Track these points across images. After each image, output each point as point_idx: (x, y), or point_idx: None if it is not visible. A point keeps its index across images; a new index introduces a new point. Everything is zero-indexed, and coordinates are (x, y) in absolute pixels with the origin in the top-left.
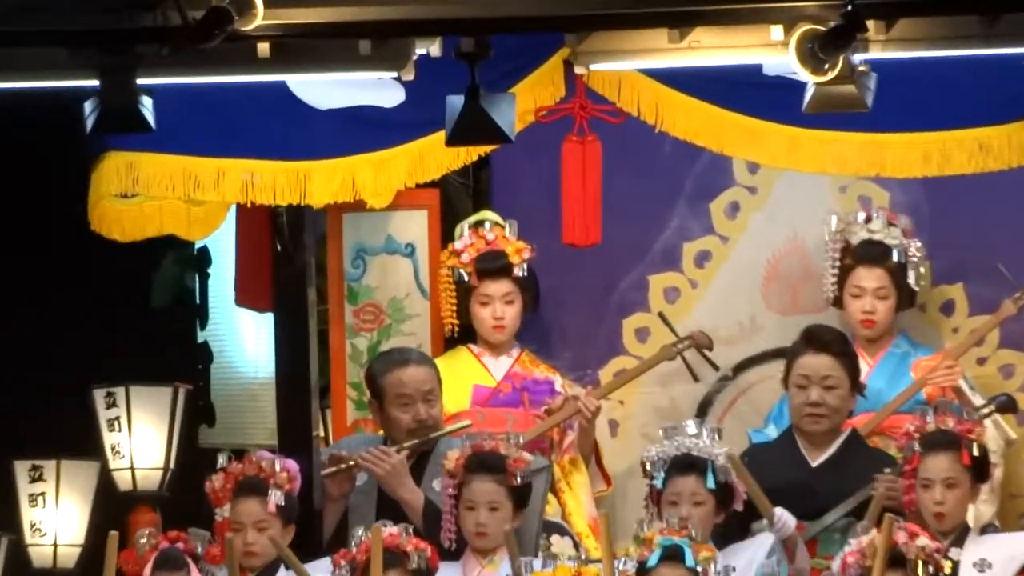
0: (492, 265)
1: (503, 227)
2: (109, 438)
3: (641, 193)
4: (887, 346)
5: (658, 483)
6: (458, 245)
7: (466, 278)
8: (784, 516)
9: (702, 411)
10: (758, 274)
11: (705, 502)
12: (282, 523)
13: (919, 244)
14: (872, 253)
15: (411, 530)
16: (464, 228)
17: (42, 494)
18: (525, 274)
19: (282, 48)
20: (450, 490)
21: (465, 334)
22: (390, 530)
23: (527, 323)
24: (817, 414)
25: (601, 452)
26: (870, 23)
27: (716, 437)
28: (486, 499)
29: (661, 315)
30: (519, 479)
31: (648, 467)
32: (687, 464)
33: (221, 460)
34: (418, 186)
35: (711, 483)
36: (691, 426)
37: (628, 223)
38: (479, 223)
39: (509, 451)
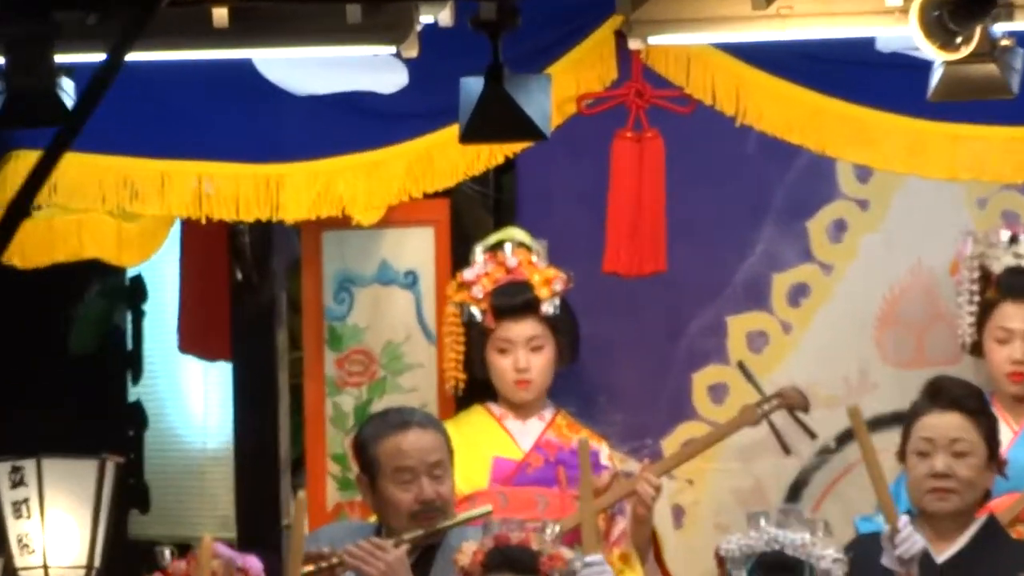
0: (513, 300)
1: (529, 250)
2: (15, 527)
3: (717, 207)
4: None
5: None
6: (468, 275)
7: (479, 318)
8: (911, 530)
9: (795, 493)
10: (871, 314)
11: None
12: None
13: None
14: (1021, 285)
15: None
16: (479, 252)
17: None
18: (557, 311)
19: (245, 15)
20: None
21: (484, 390)
22: None
23: (564, 376)
24: (944, 488)
25: (662, 546)
26: None
27: (820, 532)
28: None
29: (742, 366)
30: None
31: (727, 564)
32: (779, 566)
33: (163, 557)
34: (424, 196)
35: None
36: (785, 514)
37: (699, 247)
38: (498, 245)
39: (543, 546)
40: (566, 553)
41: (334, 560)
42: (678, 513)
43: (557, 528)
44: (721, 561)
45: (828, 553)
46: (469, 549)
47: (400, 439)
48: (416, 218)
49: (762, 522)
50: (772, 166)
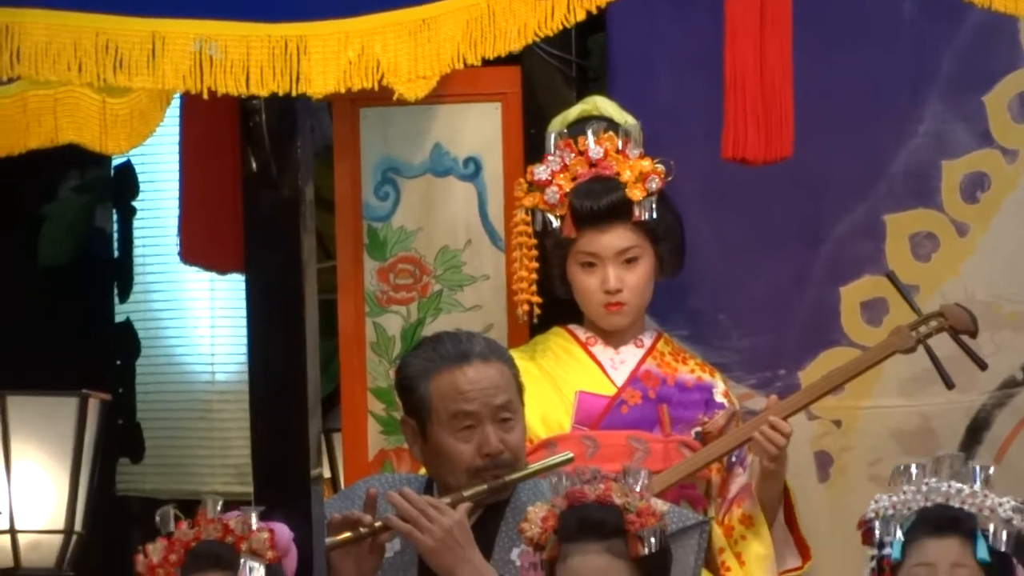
0: (597, 203)
1: (617, 133)
2: None
3: (863, 78)
4: None
5: (894, 553)
6: (540, 172)
7: (555, 225)
8: None
9: (973, 436)
10: None
11: None
12: None
13: None
14: None
15: None
16: (552, 138)
17: None
18: (654, 215)
19: None
20: (537, 568)
21: (566, 310)
22: None
23: (671, 289)
24: None
25: (795, 507)
26: None
27: (986, 480)
28: None
29: (891, 277)
30: (648, 546)
31: (877, 527)
32: (945, 522)
33: (167, 520)
34: (485, 63)
35: (982, 552)
36: (950, 463)
37: (846, 129)
38: (578, 126)
39: (628, 499)
40: (659, 506)
41: (377, 524)
42: (824, 462)
43: (644, 474)
44: (868, 533)
45: (1005, 502)
46: (537, 516)
47: (457, 375)
48: (478, 91)
49: (914, 473)
50: (936, 26)
